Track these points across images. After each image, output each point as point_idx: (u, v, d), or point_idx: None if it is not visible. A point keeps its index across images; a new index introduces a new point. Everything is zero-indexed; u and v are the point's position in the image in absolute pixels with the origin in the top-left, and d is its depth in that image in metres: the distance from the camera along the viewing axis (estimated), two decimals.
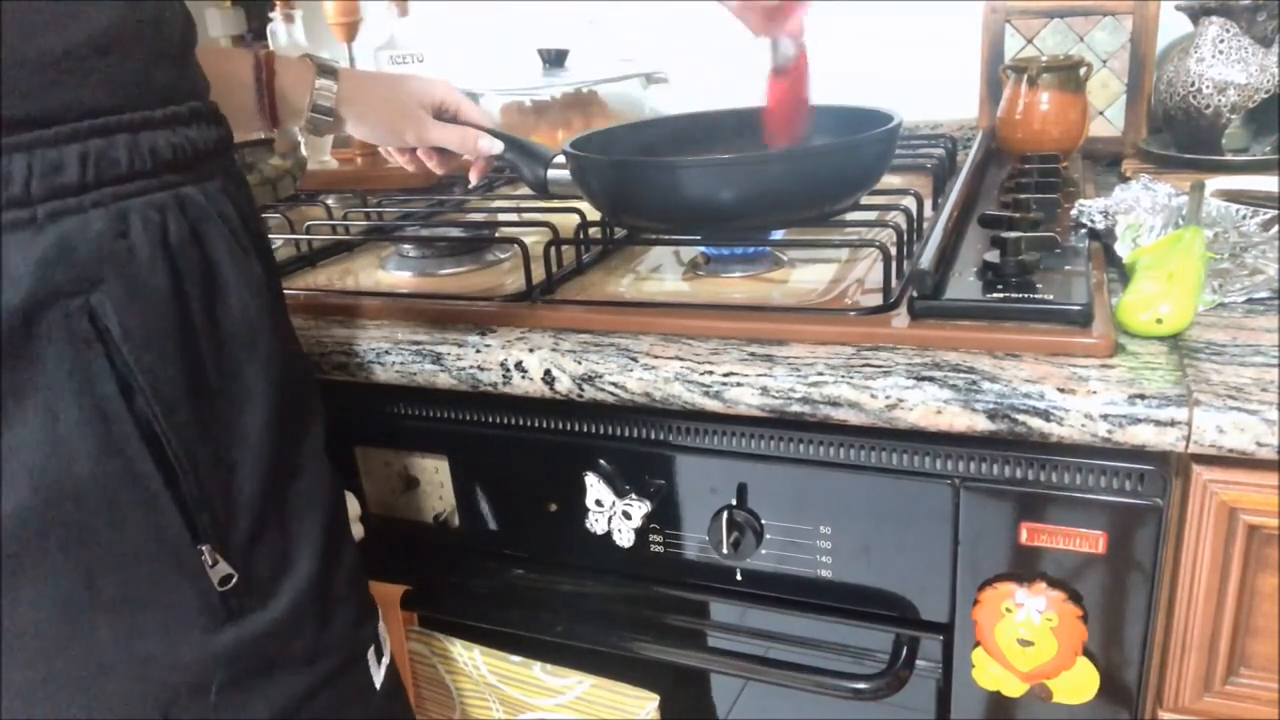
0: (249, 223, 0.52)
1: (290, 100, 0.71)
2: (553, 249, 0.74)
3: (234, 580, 0.48)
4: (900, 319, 0.62)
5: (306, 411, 0.55)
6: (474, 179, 0.81)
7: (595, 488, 0.67)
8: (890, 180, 0.80)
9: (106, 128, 0.43)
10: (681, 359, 0.61)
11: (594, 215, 0.81)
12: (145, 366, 0.44)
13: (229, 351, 0.48)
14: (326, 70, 0.71)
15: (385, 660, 0.60)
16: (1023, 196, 0.75)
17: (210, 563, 0.47)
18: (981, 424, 0.54)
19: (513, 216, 0.99)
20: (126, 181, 0.44)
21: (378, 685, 0.59)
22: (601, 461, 0.67)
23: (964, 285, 0.64)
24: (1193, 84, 0.91)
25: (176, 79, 0.48)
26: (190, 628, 0.48)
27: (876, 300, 0.64)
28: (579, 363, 0.63)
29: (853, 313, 0.64)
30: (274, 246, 0.84)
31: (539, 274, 0.74)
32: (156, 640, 0.47)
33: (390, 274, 0.87)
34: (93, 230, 0.42)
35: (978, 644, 0.61)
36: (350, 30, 1.09)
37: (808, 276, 0.75)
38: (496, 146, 0.77)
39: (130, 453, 0.44)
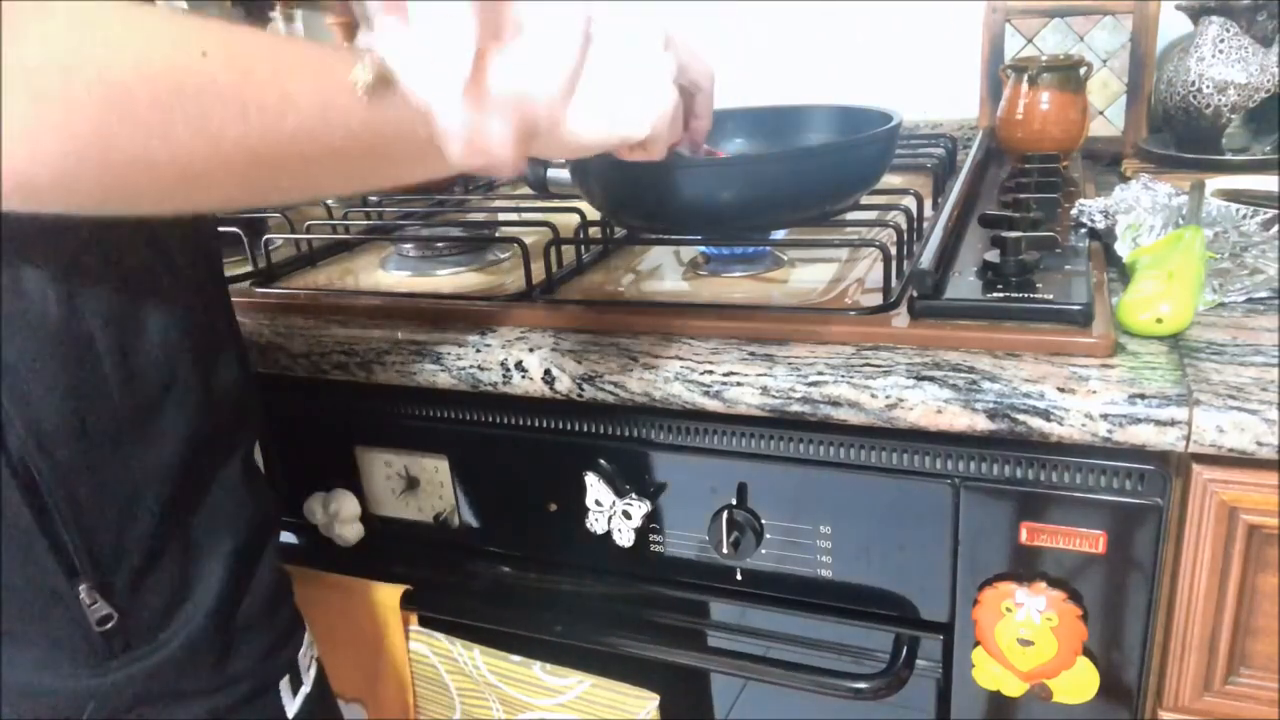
0: (189, 236, 0.48)
1: None
2: (553, 249, 0.74)
3: (114, 620, 0.46)
4: (900, 319, 0.62)
5: (231, 439, 0.52)
6: None
7: (595, 487, 0.67)
8: (890, 180, 0.80)
9: None
10: (681, 359, 0.61)
11: (594, 215, 0.81)
12: (21, 401, 0.41)
13: (141, 388, 0.45)
14: None
15: (305, 689, 0.56)
16: (1023, 196, 0.75)
17: (88, 601, 0.45)
18: (981, 424, 0.54)
19: (513, 216, 0.99)
20: None
21: (290, 716, 0.55)
22: (601, 461, 0.67)
23: (964, 285, 0.64)
24: (1193, 84, 0.91)
25: None
26: (67, 663, 0.45)
27: (876, 300, 0.64)
28: (579, 362, 0.63)
29: (853, 312, 0.64)
30: (274, 246, 0.85)
31: (539, 274, 0.74)
32: (30, 674, 0.45)
33: (390, 274, 0.87)
34: None
35: (978, 643, 0.61)
36: (350, 30, 1.09)
37: (808, 276, 0.75)
38: None
39: (1, 489, 0.41)
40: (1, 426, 0.41)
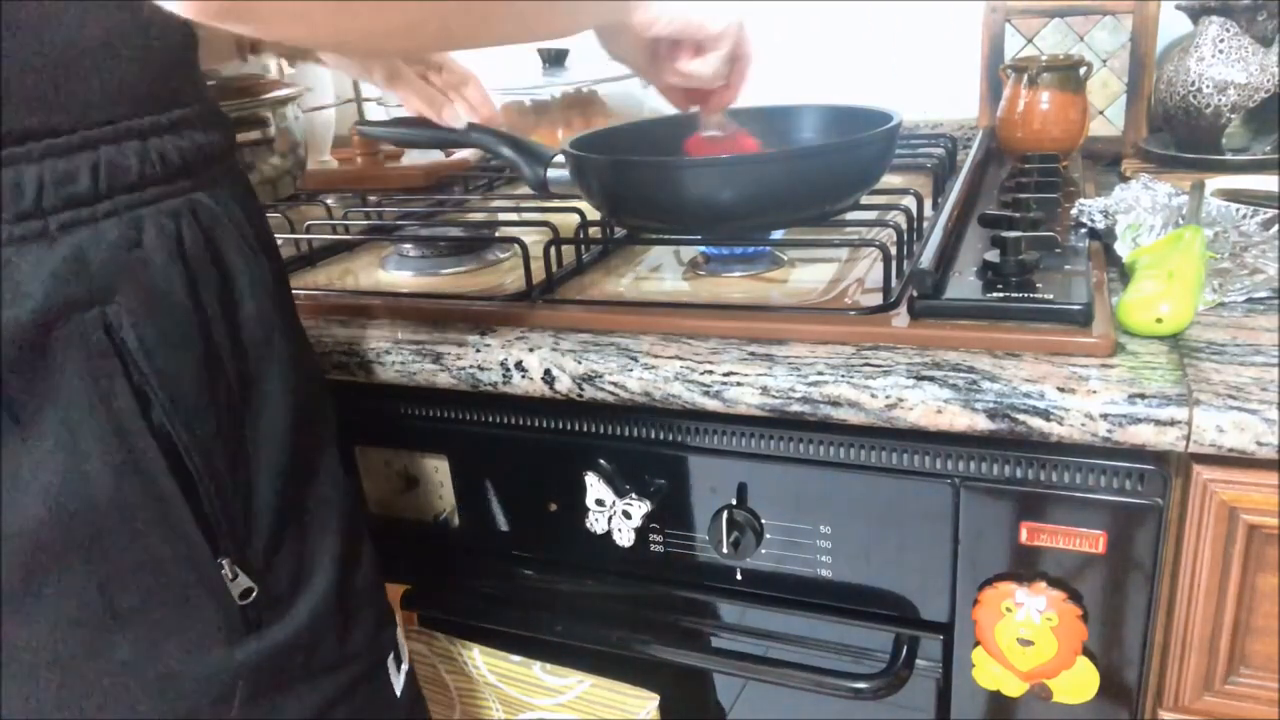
0: (257, 225, 0.52)
1: None
2: (553, 249, 0.74)
3: (254, 593, 0.48)
4: (900, 318, 0.62)
5: (323, 415, 0.55)
6: (462, 116, 0.78)
7: (595, 487, 0.67)
8: (890, 180, 0.80)
9: (117, 135, 0.42)
10: (681, 359, 0.61)
11: (594, 215, 0.81)
12: (163, 378, 0.43)
13: (248, 358, 0.48)
14: None
15: (404, 666, 0.59)
16: (1023, 196, 0.75)
17: (230, 576, 0.47)
18: (981, 423, 0.54)
19: (513, 216, 0.99)
20: (139, 189, 0.43)
21: (398, 692, 0.58)
22: (601, 461, 0.67)
23: (964, 285, 0.64)
24: (1193, 83, 0.91)
25: (182, 82, 0.47)
26: (211, 642, 0.47)
27: (876, 300, 0.64)
28: (579, 362, 0.63)
29: (853, 312, 0.64)
30: None
31: (539, 274, 0.74)
32: (177, 655, 0.46)
33: (390, 274, 0.87)
34: (106, 241, 0.42)
35: (978, 643, 0.61)
36: None
37: (808, 276, 0.75)
38: (460, 121, 0.76)
39: (148, 467, 0.43)
40: (148, 405, 0.43)
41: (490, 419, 0.71)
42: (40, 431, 0.41)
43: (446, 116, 0.76)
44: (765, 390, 0.58)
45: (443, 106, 0.76)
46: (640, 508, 0.65)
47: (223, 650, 0.47)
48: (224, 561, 0.46)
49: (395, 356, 0.69)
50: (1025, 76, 0.94)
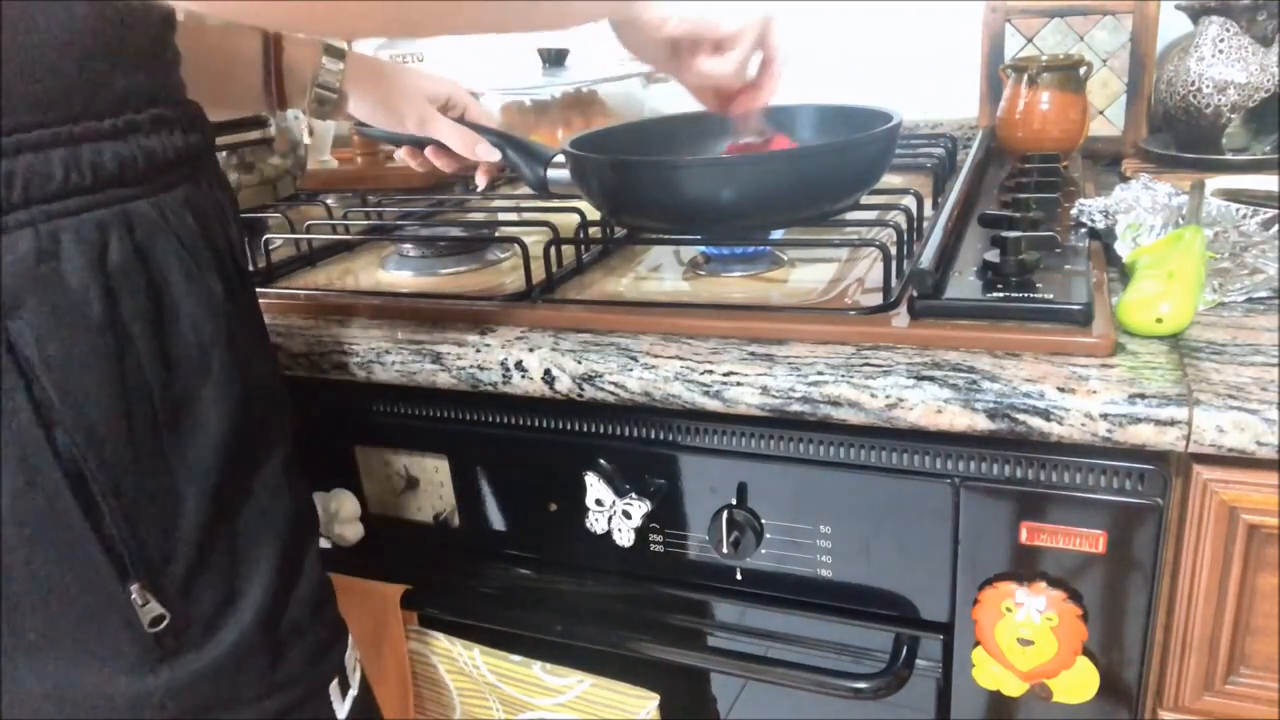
0: (214, 235, 0.49)
1: (297, 77, 0.70)
2: (553, 248, 0.74)
3: (166, 620, 0.46)
4: (900, 318, 0.62)
5: (268, 434, 0.52)
6: (481, 183, 0.82)
7: (595, 487, 0.67)
8: (890, 180, 0.80)
9: (40, 142, 0.40)
10: (681, 358, 0.61)
11: (594, 215, 0.81)
12: (68, 397, 0.41)
13: (177, 378, 0.45)
14: (334, 51, 0.71)
15: (353, 692, 0.57)
16: (1023, 196, 0.75)
17: (140, 602, 0.45)
18: (981, 423, 0.54)
19: (513, 216, 0.99)
20: (60, 199, 0.40)
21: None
22: (601, 461, 0.67)
23: (964, 285, 0.64)
24: (1193, 83, 0.91)
25: (142, 83, 0.44)
26: (122, 668, 0.45)
27: (876, 300, 0.64)
28: (579, 362, 0.63)
29: (853, 312, 0.64)
30: (274, 246, 0.85)
31: (539, 273, 0.74)
32: (84, 680, 0.45)
33: (390, 274, 0.87)
34: (17, 252, 0.39)
35: (978, 643, 0.61)
36: None
37: (808, 276, 0.75)
38: (494, 155, 0.78)
39: (49, 488, 0.41)
40: (51, 425, 0.41)
41: (490, 419, 0.71)
42: None
43: (481, 152, 0.77)
44: (765, 390, 0.58)
45: (476, 143, 0.77)
46: (640, 508, 0.65)
47: (134, 676, 0.46)
48: (133, 588, 0.44)
49: (395, 356, 0.68)
50: (1025, 76, 0.94)
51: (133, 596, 0.44)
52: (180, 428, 0.46)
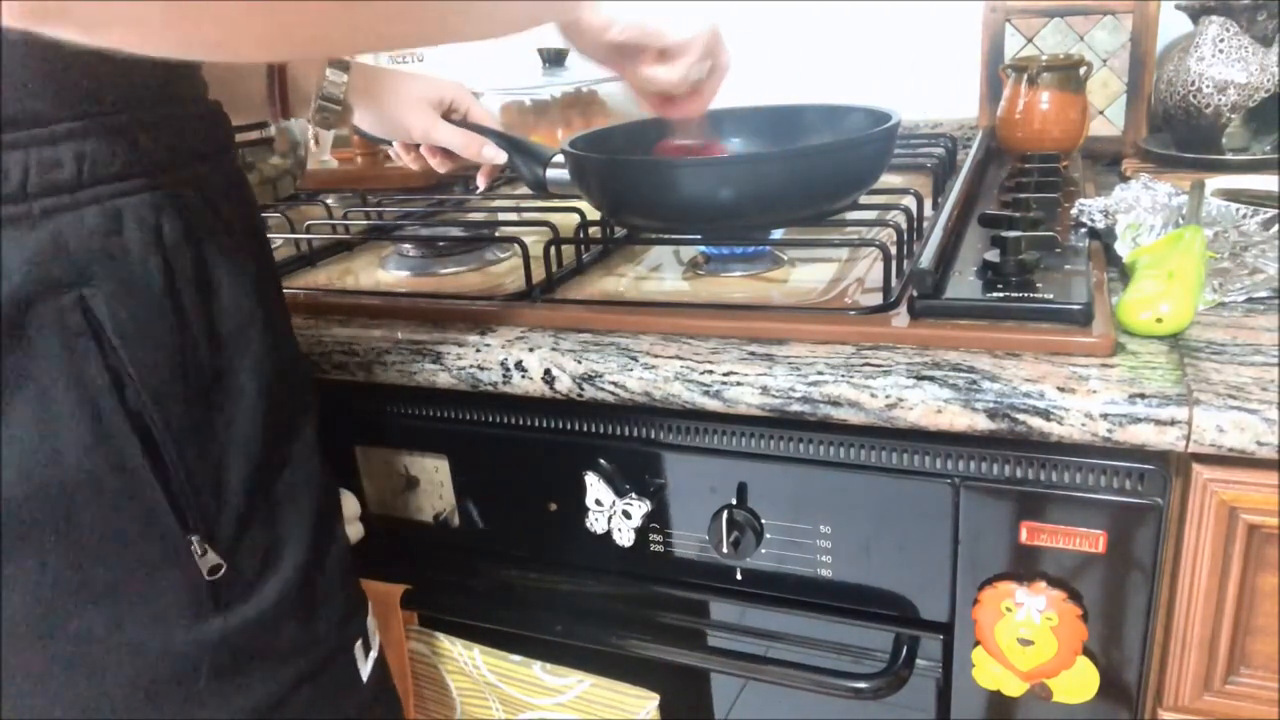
0: (247, 224, 0.52)
1: (301, 88, 0.71)
2: (553, 248, 0.74)
3: (222, 570, 0.49)
4: (900, 318, 0.62)
5: (298, 409, 0.55)
6: (482, 184, 0.83)
7: (595, 487, 0.67)
8: (890, 179, 0.80)
9: (103, 129, 0.43)
10: (681, 358, 0.61)
11: (594, 214, 0.81)
12: (137, 360, 0.44)
13: (221, 349, 0.49)
14: (338, 62, 0.72)
15: (373, 654, 0.60)
16: (1023, 196, 0.75)
17: (199, 552, 0.48)
18: (981, 423, 0.54)
19: (513, 216, 0.99)
20: (120, 180, 0.44)
21: (364, 678, 0.59)
22: (601, 461, 0.67)
23: (964, 284, 0.64)
24: (1193, 83, 0.91)
25: (176, 79, 0.48)
26: (179, 617, 0.48)
27: (876, 299, 0.64)
28: (579, 362, 0.63)
29: (853, 312, 0.64)
30: (274, 246, 0.85)
31: (539, 273, 0.74)
32: (145, 628, 0.47)
33: (390, 273, 0.87)
34: (86, 227, 0.43)
35: (978, 643, 0.61)
36: None
37: (807, 276, 0.75)
38: (500, 157, 0.78)
39: (120, 443, 0.45)
40: (123, 385, 0.44)
41: (490, 419, 0.71)
42: (15, 407, 0.42)
43: (488, 154, 0.78)
44: (765, 390, 0.58)
45: (481, 146, 0.78)
46: (640, 507, 0.65)
47: (190, 625, 0.48)
48: (193, 538, 0.47)
49: (395, 356, 0.68)
50: (1025, 76, 0.94)
51: (193, 547, 0.48)
52: (224, 396, 0.49)
